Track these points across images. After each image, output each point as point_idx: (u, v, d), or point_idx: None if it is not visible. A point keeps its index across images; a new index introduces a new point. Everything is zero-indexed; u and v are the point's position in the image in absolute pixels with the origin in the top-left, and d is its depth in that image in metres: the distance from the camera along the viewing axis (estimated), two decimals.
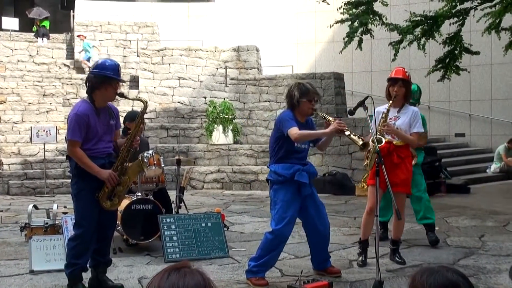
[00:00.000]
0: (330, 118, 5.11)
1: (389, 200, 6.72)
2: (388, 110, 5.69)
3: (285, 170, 5.02)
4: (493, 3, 12.05)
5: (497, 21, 11.79)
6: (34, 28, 20.50)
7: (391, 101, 5.70)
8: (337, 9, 13.02)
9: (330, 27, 13.72)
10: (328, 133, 5.07)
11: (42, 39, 19.56)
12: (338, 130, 4.97)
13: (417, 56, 14.85)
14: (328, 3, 13.22)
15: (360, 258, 5.76)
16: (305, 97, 5.06)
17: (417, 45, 12.64)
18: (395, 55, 12.80)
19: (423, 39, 12.61)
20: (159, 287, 1.56)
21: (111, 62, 4.87)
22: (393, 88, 5.75)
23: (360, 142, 4.97)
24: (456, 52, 12.73)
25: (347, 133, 4.98)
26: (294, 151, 5.07)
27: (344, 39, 12.99)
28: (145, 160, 5.36)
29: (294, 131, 4.94)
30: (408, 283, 1.76)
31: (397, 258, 5.86)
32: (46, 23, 20.66)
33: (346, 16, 12.79)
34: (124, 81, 4.95)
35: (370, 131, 5.37)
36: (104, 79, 4.72)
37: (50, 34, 20.11)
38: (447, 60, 12.77)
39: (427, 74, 13.42)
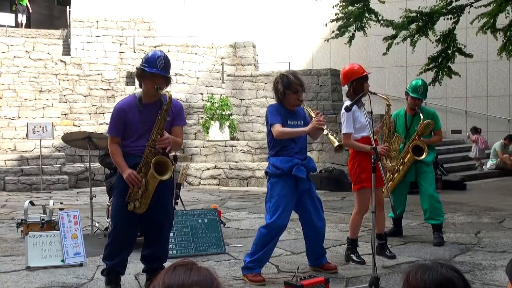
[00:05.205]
0: (312, 114, 5.07)
1: (398, 196, 6.73)
2: (389, 108, 5.72)
3: (283, 163, 4.99)
4: (488, 1, 12.04)
5: (491, 21, 11.74)
6: (14, 8, 20.95)
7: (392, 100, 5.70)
8: (333, 7, 13.00)
9: (326, 25, 13.72)
10: (307, 131, 5.05)
11: (22, 15, 20.09)
12: (316, 128, 4.95)
13: (414, 52, 14.85)
14: None
15: (356, 255, 5.76)
16: (289, 89, 5.04)
17: (409, 41, 12.62)
18: (387, 49, 12.79)
19: (416, 36, 12.58)
20: (165, 281, 1.56)
21: (153, 54, 4.51)
22: (367, 84, 5.64)
23: (336, 143, 4.94)
24: (449, 51, 12.69)
25: (325, 132, 4.95)
26: (290, 141, 5.05)
27: (334, 31, 13.00)
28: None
29: (276, 128, 4.96)
30: (402, 280, 1.76)
31: (387, 253, 5.87)
32: (24, 1, 21.36)
33: (341, 15, 12.77)
34: (165, 75, 4.45)
35: (375, 128, 5.38)
36: (142, 72, 4.46)
37: (46, 30, 20.16)
38: (440, 60, 12.72)
39: (419, 74, 13.41)
